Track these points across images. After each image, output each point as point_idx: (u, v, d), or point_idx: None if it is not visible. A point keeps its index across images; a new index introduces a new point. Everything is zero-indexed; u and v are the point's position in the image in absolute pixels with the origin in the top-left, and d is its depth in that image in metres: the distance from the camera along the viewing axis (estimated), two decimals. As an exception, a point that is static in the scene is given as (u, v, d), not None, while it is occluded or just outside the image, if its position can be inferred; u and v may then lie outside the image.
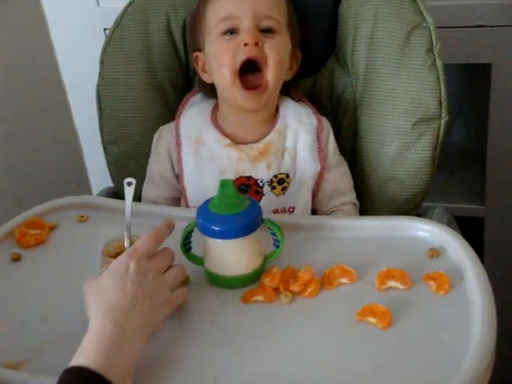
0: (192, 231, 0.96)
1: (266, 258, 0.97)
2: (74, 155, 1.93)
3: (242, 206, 0.93)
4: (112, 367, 0.77)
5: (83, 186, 1.94)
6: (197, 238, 0.96)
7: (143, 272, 0.86)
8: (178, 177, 1.16)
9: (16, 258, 1.06)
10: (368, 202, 1.18)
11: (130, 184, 0.96)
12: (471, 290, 0.89)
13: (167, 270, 0.91)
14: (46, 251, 1.08)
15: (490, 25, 1.41)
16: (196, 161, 1.13)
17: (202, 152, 1.13)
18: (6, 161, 1.67)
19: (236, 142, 1.13)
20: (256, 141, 1.13)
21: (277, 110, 1.16)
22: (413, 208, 1.16)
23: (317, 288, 0.92)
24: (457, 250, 0.96)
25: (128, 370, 0.79)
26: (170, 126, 1.18)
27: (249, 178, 1.12)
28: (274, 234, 0.96)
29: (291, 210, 1.12)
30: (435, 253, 0.97)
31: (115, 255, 0.92)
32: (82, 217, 1.15)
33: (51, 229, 1.12)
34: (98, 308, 0.83)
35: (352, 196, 1.18)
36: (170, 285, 0.90)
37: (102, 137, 1.29)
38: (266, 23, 1.07)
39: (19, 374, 0.85)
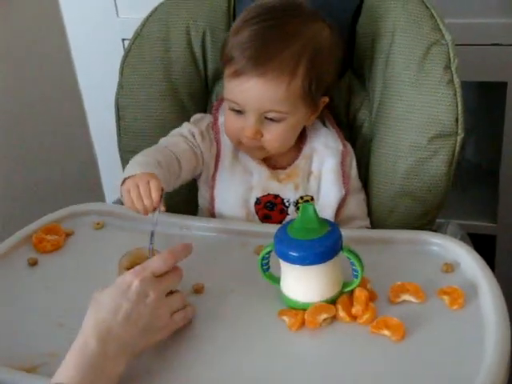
0: (271, 251, 0.94)
1: (344, 286, 0.93)
2: (89, 164, 1.95)
3: (321, 231, 0.90)
4: None
5: (97, 195, 1.95)
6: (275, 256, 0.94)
7: (144, 292, 0.85)
8: (201, 176, 1.19)
9: (33, 263, 1.07)
10: (382, 217, 1.18)
11: None
12: (485, 305, 0.89)
13: (173, 292, 0.91)
14: (62, 257, 1.10)
15: (506, 43, 1.42)
16: (230, 171, 1.16)
17: (236, 164, 1.16)
18: (22, 168, 1.69)
19: (267, 165, 1.16)
20: (284, 167, 1.16)
21: (304, 132, 1.17)
22: (426, 223, 1.16)
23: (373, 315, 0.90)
24: (471, 265, 0.97)
25: None
26: (207, 118, 1.21)
27: (276, 196, 1.14)
28: (353, 263, 0.92)
29: None
30: (449, 268, 0.98)
31: (131, 267, 0.91)
32: (98, 224, 1.16)
33: (68, 235, 1.14)
34: (87, 321, 0.83)
35: (367, 221, 1.19)
36: (172, 308, 0.89)
37: (120, 146, 1.29)
38: (269, 115, 1.08)
39: (34, 377, 0.85)
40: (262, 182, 1.15)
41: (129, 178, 1.00)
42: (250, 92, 1.06)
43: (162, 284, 0.88)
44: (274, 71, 1.04)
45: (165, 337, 0.88)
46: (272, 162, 1.17)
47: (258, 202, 1.15)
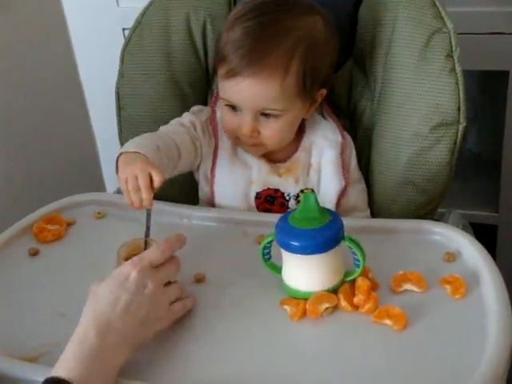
0: (272, 241, 0.94)
1: (345, 275, 0.93)
2: (90, 155, 1.94)
3: (323, 221, 0.90)
4: (91, 379, 0.77)
5: (97, 186, 1.95)
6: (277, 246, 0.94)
7: (143, 282, 0.85)
8: (199, 170, 1.17)
9: (34, 253, 1.07)
10: (384, 206, 1.17)
11: None
12: (487, 294, 0.89)
13: (171, 283, 0.91)
14: (63, 246, 1.09)
15: (508, 32, 1.41)
16: (229, 166, 1.15)
17: (235, 159, 1.15)
18: (23, 160, 1.69)
19: (266, 158, 1.15)
20: (283, 160, 1.16)
21: (303, 124, 1.17)
22: (429, 212, 1.16)
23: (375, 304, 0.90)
24: (473, 254, 0.96)
25: (108, 381, 0.79)
26: (206, 111, 1.19)
27: (276, 190, 1.14)
28: (354, 252, 0.91)
29: None
30: (451, 257, 0.97)
31: (128, 258, 0.91)
32: (99, 213, 1.16)
33: (69, 224, 1.13)
34: (86, 314, 0.83)
35: (367, 212, 1.19)
36: (170, 298, 0.89)
37: (120, 135, 1.29)
38: (265, 111, 1.07)
39: (35, 366, 0.85)
40: (261, 176, 1.14)
41: (128, 165, 0.97)
42: (245, 92, 1.05)
43: (159, 274, 0.88)
44: (267, 69, 1.03)
45: (164, 327, 0.88)
46: (271, 156, 1.16)
47: (258, 196, 1.14)
